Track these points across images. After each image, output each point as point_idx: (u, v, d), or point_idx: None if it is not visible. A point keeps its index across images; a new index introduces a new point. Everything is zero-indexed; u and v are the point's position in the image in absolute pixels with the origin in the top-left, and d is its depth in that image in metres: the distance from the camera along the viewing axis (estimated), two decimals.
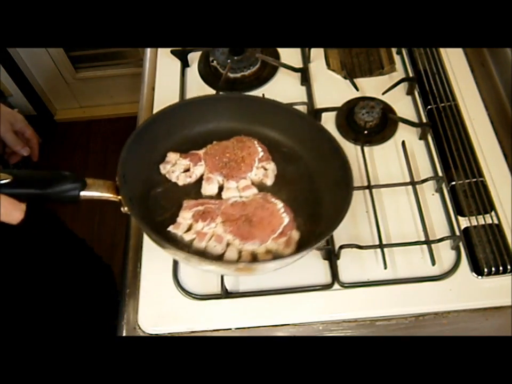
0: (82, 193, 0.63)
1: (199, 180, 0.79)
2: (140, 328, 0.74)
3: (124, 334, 0.74)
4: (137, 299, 0.76)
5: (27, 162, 1.02)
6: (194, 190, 0.78)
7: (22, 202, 0.59)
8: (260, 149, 0.81)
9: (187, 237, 0.72)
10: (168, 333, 0.73)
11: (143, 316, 0.74)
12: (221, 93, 0.95)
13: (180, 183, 0.78)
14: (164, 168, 0.79)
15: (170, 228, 0.72)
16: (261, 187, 0.78)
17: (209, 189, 0.78)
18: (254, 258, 0.70)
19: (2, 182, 0.57)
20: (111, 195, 0.66)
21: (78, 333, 1.21)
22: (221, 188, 0.78)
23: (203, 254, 0.69)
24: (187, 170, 0.79)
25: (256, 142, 0.81)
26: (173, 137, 0.82)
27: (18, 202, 0.58)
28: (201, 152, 0.81)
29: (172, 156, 0.80)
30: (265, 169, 0.80)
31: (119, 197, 0.66)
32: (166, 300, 0.75)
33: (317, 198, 0.77)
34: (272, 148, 0.82)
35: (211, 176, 0.78)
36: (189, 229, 0.73)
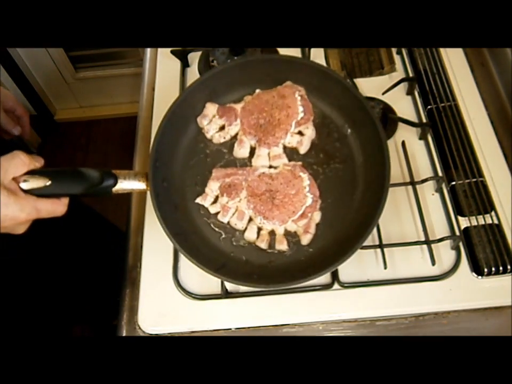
0: (115, 188, 0.67)
1: (234, 138, 0.80)
2: (139, 328, 0.74)
3: (124, 334, 0.74)
4: (137, 299, 0.76)
5: (18, 140, 1.01)
6: (228, 148, 0.79)
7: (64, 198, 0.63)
8: (300, 109, 0.77)
9: (212, 210, 0.75)
10: (168, 333, 0.73)
11: (143, 316, 0.74)
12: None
13: (215, 141, 0.80)
14: (201, 123, 0.80)
15: (198, 200, 0.75)
16: (294, 154, 0.78)
17: (240, 152, 0.78)
18: (272, 238, 0.73)
19: (43, 185, 0.62)
20: (141, 186, 0.68)
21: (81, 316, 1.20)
22: (252, 151, 0.78)
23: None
24: (222, 128, 0.79)
25: (299, 98, 0.77)
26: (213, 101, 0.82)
27: (58, 200, 0.63)
28: (238, 106, 0.80)
29: (209, 108, 0.80)
30: (302, 134, 0.78)
31: (148, 188, 0.69)
32: (166, 300, 0.75)
33: (351, 183, 0.74)
34: (320, 122, 0.79)
35: (243, 139, 0.78)
36: (215, 201, 0.75)
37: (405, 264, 0.76)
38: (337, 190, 0.75)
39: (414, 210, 0.80)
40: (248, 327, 0.73)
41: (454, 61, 0.97)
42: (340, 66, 0.99)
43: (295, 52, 1.02)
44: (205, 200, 0.75)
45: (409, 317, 0.73)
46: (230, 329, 0.73)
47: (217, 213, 0.75)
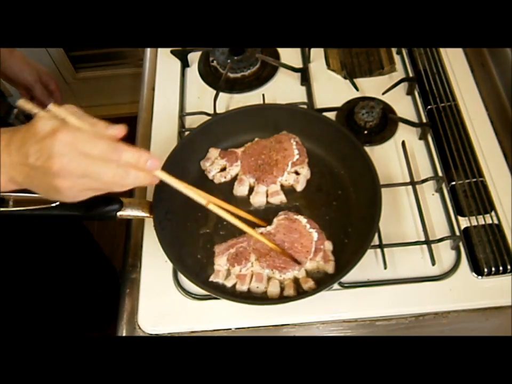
0: (119, 213, 0.70)
1: (234, 179, 0.83)
2: (139, 328, 0.74)
3: (124, 334, 0.74)
4: (137, 299, 0.76)
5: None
6: (228, 188, 0.82)
7: None
8: (296, 151, 0.82)
9: (229, 283, 0.73)
10: (168, 333, 0.73)
11: (143, 316, 0.74)
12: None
13: (216, 181, 0.83)
14: (204, 165, 0.84)
15: (212, 278, 0.74)
16: (290, 191, 0.81)
17: (240, 190, 0.81)
18: (297, 284, 0.72)
19: (53, 204, 0.64)
20: (145, 214, 0.72)
21: (76, 331, 1.21)
22: (251, 190, 0.81)
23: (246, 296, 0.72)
24: (224, 169, 0.83)
25: (294, 143, 0.82)
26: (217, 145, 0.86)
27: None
28: (239, 150, 0.84)
29: (212, 152, 0.84)
30: (298, 173, 0.81)
31: (152, 216, 0.72)
32: (166, 300, 0.75)
33: (345, 217, 0.77)
34: (311, 160, 0.83)
35: (243, 177, 0.82)
36: (228, 274, 0.74)
37: (405, 264, 0.76)
38: (334, 224, 0.77)
39: (414, 210, 0.80)
40: (248, 327, 0.73)
41: (454, 61, 0.97)
42: (340, 66, 0.99)
43: (295, 52, 1.02)
44: (218, 277, 0.73)
45: (409, 317, 0.73)
46: (230, 329, 0.73)
47: (235, 284, 0.73)
